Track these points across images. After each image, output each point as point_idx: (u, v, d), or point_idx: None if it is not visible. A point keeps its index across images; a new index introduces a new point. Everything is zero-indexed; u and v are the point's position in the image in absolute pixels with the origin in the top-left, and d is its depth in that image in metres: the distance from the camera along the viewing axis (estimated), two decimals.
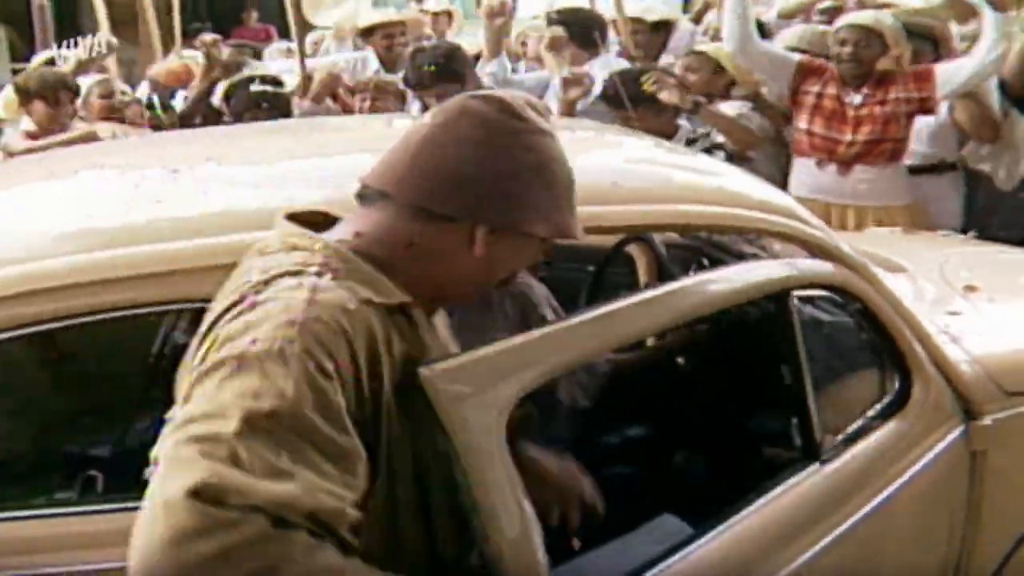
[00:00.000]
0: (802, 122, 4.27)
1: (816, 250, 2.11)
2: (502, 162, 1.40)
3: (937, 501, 2.28)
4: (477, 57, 4.71)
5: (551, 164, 1.44)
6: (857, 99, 4.16)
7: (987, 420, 2.29)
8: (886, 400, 2.21)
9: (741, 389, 2.42)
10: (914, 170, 4.37)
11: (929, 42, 4.59)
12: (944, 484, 2.28)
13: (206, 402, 1.21)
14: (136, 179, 2.06)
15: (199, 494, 1.10)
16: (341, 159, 2.20)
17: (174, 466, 1.15)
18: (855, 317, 2.17)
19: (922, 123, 4.27)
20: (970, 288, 2.79)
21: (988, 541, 2.37)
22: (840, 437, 2.06)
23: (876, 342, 2.19)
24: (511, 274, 1.52)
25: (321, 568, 1.16)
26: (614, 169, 2.12)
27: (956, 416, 2.28)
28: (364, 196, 1.45)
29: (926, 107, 4.14)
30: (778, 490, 1.91)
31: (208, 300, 1.42)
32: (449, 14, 6.20)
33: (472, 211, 1.39)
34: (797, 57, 4.36)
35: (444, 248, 1.41)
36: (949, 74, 4.08)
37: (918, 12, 4.76)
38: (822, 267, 2.06)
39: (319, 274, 1.32)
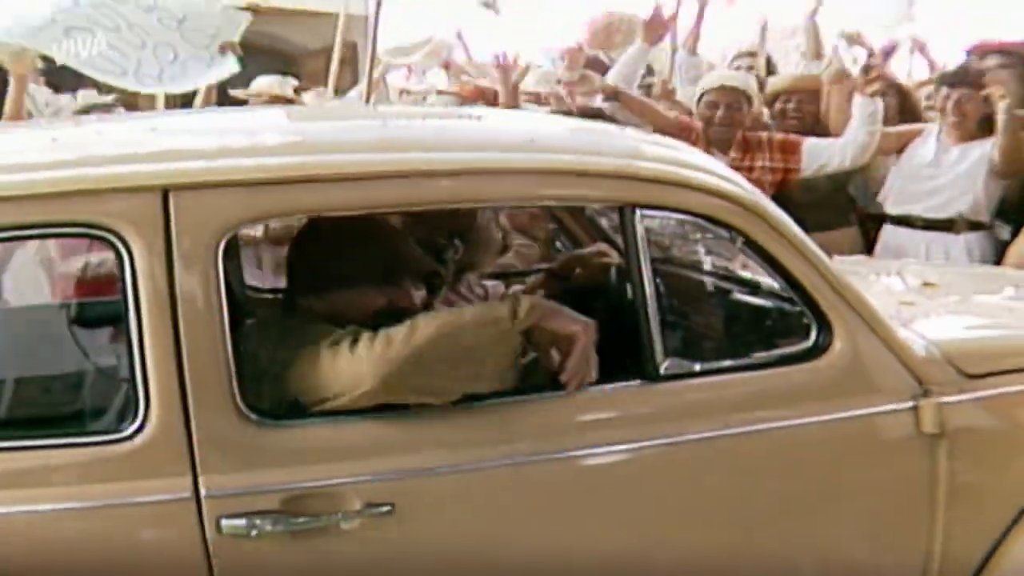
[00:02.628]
0: None
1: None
2: None
3: (879, 480, 2.14)
4: None
5: None
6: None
7: (943, 400, 2.15)
8: (796, 346, 2.11)
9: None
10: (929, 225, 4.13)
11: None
12: (888, 460, 2.15)
13: None
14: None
15: None
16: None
17: None
18: (749, 255, 2.09)
19: (963, 189, 4.04)
20: (928, 285, 2.67)
21: (963, 538, 2.21)
22: (699, 365, 2.03)
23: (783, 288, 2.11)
24: None
25: None
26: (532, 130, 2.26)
27: (904, 390, 2.14)
28: None
29: (789, 178, 4.07)
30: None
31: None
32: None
33: None
34: (673, 115, 4.33)
35: None
36: (818, 152, 4.06)
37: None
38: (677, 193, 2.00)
39: None
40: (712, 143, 4.08)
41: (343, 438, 1.85)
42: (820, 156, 4.06)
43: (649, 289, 1.98)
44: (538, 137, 2.06)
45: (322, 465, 1.81)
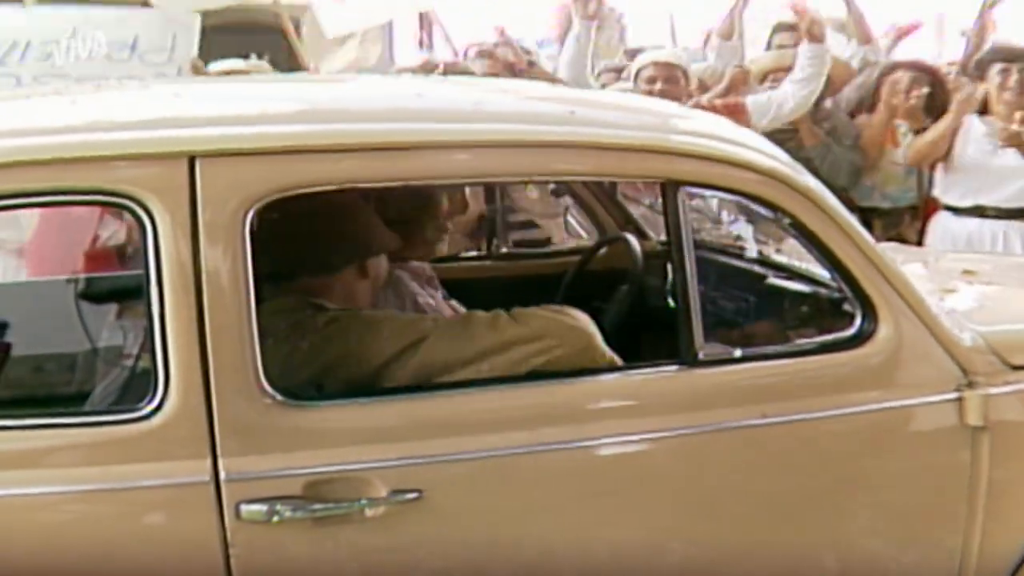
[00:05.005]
0: None
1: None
2: None
3: (919, 473, 2.08)
4: None
5: None
6: None
7: (988, 391, 2.06)
8: (840, 333, 2.03)
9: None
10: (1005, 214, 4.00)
11: None
12: (930, 453, 2.07)
13: None
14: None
15: None
16: None
17: None
18: (794, 236, 2.00)
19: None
20: (968, 272, 2.60)
21: (1000, 536, 2.13)
22: (739, 351, 1.96)
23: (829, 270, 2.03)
24: None
25: None
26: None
27: (949, 380, 2.06)
28: None
29: None
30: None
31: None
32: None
33: None
34: None
35: None
36: (763, 104, 4.10)
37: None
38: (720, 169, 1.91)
39: None
40: None
41: (370, 420, 1.77)
42: (769, 108, 4.10)
43: (690, 270, 1.90)
44: (578, 110, 1.98)
45: (347, 448, 1.74)
